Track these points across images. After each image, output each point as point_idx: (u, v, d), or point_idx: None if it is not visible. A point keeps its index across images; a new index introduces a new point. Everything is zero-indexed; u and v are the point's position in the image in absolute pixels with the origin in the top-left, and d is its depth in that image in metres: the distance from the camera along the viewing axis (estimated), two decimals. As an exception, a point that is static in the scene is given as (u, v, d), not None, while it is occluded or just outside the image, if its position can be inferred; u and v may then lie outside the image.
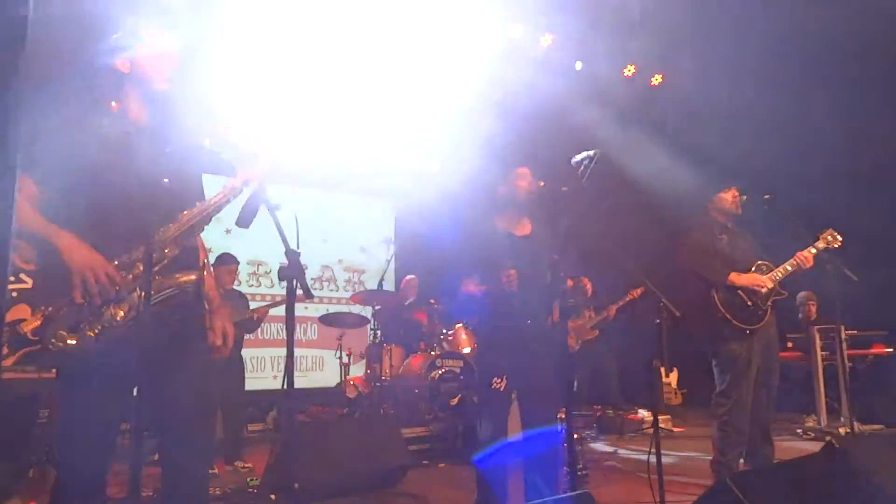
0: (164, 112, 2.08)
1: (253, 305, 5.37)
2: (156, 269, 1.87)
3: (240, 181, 2.08)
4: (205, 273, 2.09)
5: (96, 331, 1.80)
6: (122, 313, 1.85)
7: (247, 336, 5.31)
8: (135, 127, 2.02)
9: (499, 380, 3.06)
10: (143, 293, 1.78)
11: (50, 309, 1.77)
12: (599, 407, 7.15)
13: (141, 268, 1.85)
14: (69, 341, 1.76)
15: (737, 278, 3.72)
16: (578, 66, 7.25)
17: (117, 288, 1.82)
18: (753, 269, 3.80)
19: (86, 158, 1.87)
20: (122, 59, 2.02)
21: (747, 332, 3.67)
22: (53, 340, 1.75)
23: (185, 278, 1.95)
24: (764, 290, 3.72)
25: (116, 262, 1.87)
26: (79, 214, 1.86)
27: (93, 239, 1.84)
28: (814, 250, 3.80)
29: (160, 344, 1.85)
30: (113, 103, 2.04)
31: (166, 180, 1.98)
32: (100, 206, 1.88)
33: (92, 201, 1.88)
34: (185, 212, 2.00)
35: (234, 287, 5.35)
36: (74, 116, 1.93)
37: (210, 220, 2.06)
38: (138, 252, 1.87)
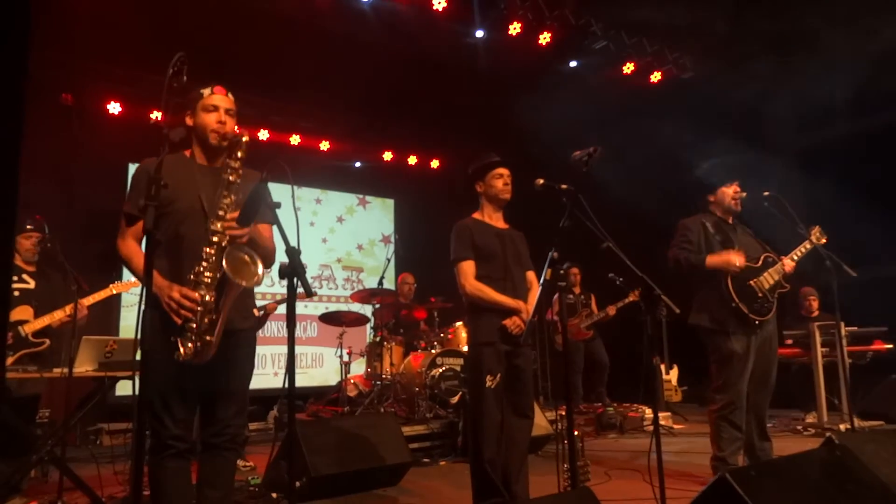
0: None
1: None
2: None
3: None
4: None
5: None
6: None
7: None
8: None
9: (492, 378, 3.07)
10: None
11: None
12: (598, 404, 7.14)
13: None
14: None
15: (712, 258, 3.75)
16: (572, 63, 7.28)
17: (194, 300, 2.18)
18: (760, 262, 3.81)
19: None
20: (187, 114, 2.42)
21: (756, 322, 3.70)
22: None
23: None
24: (771, 282, 3.76)
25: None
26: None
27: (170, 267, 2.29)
28: (809, 246, 3.88)
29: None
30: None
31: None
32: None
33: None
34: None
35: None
36: None
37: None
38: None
